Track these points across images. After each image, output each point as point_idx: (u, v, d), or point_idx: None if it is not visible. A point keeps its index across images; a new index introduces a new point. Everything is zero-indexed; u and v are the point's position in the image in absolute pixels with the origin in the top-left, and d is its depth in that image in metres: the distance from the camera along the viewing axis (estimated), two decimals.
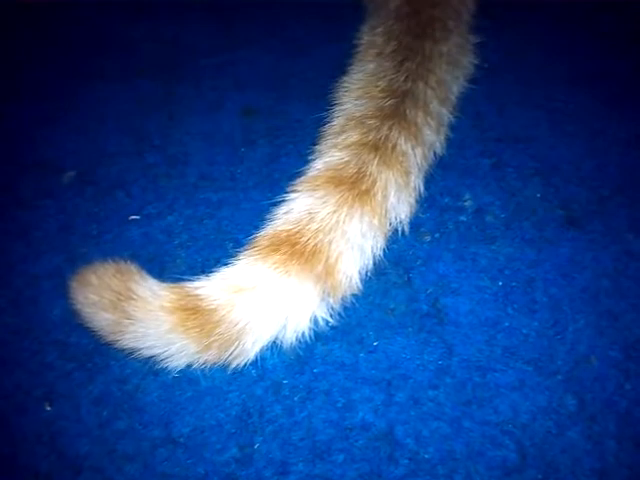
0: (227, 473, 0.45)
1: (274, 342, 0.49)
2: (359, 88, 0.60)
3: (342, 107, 0.59)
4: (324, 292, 0.49)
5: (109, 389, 0.49)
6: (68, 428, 0.47)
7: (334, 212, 0.50)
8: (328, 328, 0.51)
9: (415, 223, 0.57)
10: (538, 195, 0.60)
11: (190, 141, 0.66)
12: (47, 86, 0.73)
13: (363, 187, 0.51)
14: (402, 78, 0.59)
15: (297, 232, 0.49)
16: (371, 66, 0.62)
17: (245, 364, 0.49)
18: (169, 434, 0.47)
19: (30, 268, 0.56)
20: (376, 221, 0.51)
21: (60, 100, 0.71)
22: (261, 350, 0.49)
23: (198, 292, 0.48)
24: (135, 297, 0.47)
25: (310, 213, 0.50)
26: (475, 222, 0.58)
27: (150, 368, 0.49)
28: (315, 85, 0.68)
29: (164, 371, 0.48)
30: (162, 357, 0.47)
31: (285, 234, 0.49)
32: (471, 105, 0.66)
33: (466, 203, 0.59)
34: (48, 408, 0.48)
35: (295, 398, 0.48)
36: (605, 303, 0.53)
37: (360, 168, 0.52)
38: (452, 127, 0.62)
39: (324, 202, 0.50)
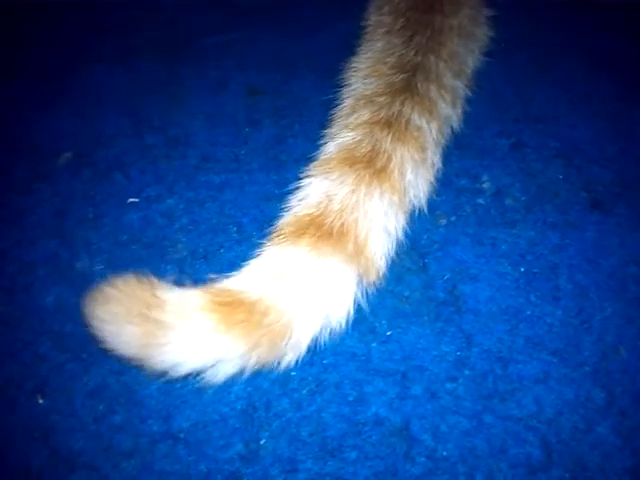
0: (231, 471, 0.44)
1: None
2: (368, 67, 0.60)
3: (351, 87, 0.59)
4: (359, 273, 0.47)
5: (105, 381, 0.47)
6: (62, 423, 0.46)
7: (353, 191, 0.49)
8: None
9: (430, 206, 0.55)
10: (560, 177, 0.59)
11: (192, 122, 0.65)
12: (44, 68, 0.71)
13: (379, 165, 0.51)
14: (412, 52, 0.59)
15: (320, 214, 0.48)
16: (379, 44, 0.62)
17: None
18: (169, 429, 0.45)
19: (24, 254, 0.55)
20: (396, 198, 0.50)
21: (57, 82, 0.69)
22: None
23: (233, 287, 0.44)
24: (166, 302, 0.43)
25: (328, 196, 0.49)
26: (494, 205, 0.57)
27: None
28: (321, 65, 0.68)
29: None
30: (206, 368, 0.43)
31: (308, 218, 0.48)
32: (488, 83, 0.65)
33: (484, 185, 0.58)
34: (41, 401, 0.47)
35: (304, 391, 0.47)
36: (633, 290, 0.52)
37: (374, 146, 0.52)
38: (468, 106, 0.61)
39: (341, 182, 0.50)
